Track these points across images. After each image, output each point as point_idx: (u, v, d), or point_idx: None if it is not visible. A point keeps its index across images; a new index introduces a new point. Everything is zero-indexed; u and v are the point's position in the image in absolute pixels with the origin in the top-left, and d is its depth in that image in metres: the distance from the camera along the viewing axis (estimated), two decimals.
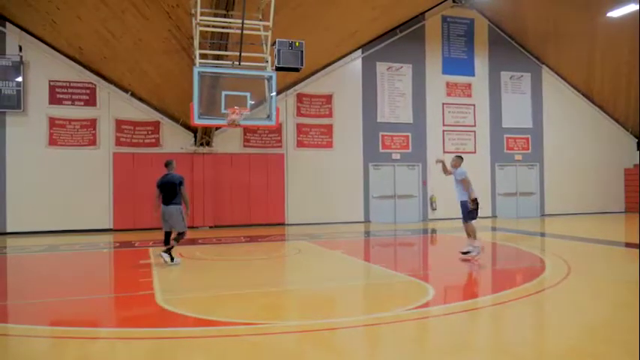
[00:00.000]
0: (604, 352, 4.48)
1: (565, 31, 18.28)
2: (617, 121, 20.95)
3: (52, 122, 14.88)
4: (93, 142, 15.21)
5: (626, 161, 21.02)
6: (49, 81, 14.85)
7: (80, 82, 15.09)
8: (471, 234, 9.34)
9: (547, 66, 19.93)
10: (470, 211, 9.26)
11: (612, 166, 20.83)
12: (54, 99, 14.91)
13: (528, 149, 19.77)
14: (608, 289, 7.14)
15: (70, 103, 15.04)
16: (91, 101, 15.19)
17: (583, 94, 20.43)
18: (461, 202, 9.41)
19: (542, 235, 14.37)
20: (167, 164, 9.55)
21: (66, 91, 15.00)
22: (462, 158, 9.75)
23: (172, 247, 9.18)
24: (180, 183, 9.34)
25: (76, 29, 13.76)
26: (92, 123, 15.20)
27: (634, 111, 20.34)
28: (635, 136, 21.18)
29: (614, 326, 5.35)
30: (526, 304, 6.31)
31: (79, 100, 15.11)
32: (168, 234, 9.34)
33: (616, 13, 15.81)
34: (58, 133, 14.92)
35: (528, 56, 19.70)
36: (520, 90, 19.64)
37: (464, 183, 9.29)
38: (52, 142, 14.86)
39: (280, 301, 6.80)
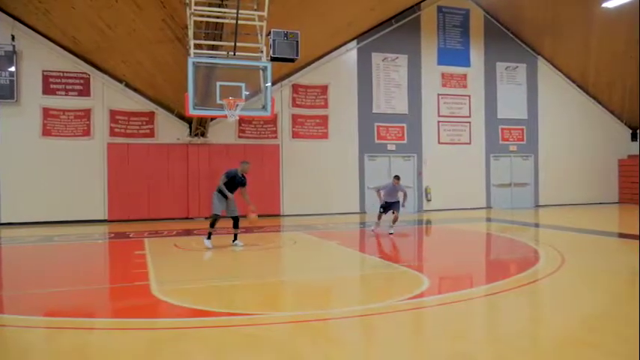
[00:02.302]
0: (600, 341, 4.51)
1: (561, 22, 18.27)
2: (612, 112, 21.01)
3: (46, 112, 14.79)
4: (87, 133, 15.13)
5: (620, 152, 21.11)
6: (43, 71, 14.74)
7: (74, 73, 14.99)
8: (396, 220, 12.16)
9: (543, 57, 19.93)
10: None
11: (606, 157, 20.90)
12: (47, 89, 14.81)
13: (523, 140, 19.81)
14: (601, 279, 7.19)
15: (63, 93, 14.94)
16: (85, 91, 15.10)
17: (578, 85, 20.46)
18: (398, 202, 12.14)
19: (537, 225, 14.45)
20: None
21: (60, 81, 14.90)
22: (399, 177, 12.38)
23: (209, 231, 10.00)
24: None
25: (69, 19, 13.64)
26: (86, 113, 15.12)
27: (629, 102, 20.39)
28: (630, 127, 21.26)
29: (608, 316, 5.39)
30: (520, 295, 6.35)
31: (73, 90, 15.02)
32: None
33: (611, 4, 15.80)
34: (52, 123, 14.83)
35: (524, 47, 19.68)
36: (515, 81, 19.64)
37: (405, 195, 12.09)
38: (46, 132, 14.78)
39: (276, 292, 6.82)
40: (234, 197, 9.96)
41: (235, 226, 10.10)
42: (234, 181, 9.85)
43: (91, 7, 12.97)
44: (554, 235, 11.92)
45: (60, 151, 14.87)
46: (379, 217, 12.39)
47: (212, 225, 9.88)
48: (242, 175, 9.94)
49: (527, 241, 10.92)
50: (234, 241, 10.15)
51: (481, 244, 11.51)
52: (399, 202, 12.15)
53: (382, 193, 12.28)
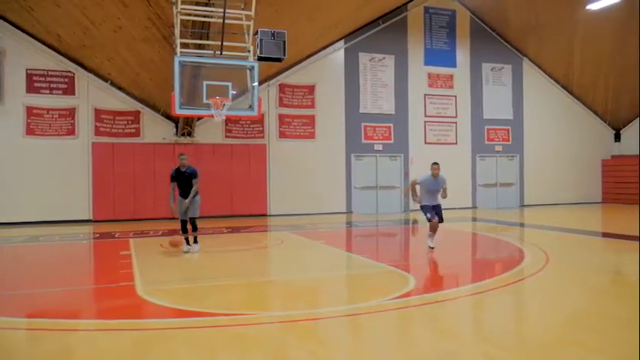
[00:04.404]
0: (585, 339, 4.57)
1: (545, 23, 18.45)
2: (595, 112, 21.26)
3: (30, 111, 14.61)
4: (72, 132, 14.97)
5: (603, 152, 21.38)
6: (27, 69, 14.55)
7: (58, 71, 14.83)
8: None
9: (528, 58, 20.11)
10: None
11: (590, 157, 21.16)
12: (31, 88, 14.62)
13: (508, 140, 19.98)
14: (585, 278, 7.28)
15: (48, 92, 14.77)
16: (69, 90, 14.94)
17: (563, 86, 20.68)
18: (439, 205, 9.54)
19: (522, 225, 14.57)
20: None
21: (44, 79, 14.72)
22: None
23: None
24: None
25: (54, 16, 13.48)
26: (71, 112, 14.96)
27: (612, 103, 20.65)
28: (613, 128, 21.53)
29: (593, 315, 5.46)
30: (506, 294, 6.40)
31: (57, 89, 14.85)
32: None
33: (595, 6, 15.98)
34: (36, 122, 14.65)
35: (509, 48, 19.85)
36: (501, 82, 19.80)
37: (445, 191, 9.37)
38: (30, 131, 14.60)
39: (263, 292, 6.80)
40: (201, 198, 9.64)
41: (193, 228, 9.47)
42: (180, 179, 9.29)
43: (76, 5, 12.84)
44: (539, 234, 12.03)
45: (44, 150, 14.69)
46: (432, 229, 9.43)
47: (182, 230, 9.50)
48: (185, 170, 9.30)
49: (513, 241, 11.01)
50: (194, 242, 9.55)
51: (467, 244, 11.57)
52: (439, 205, 9.55)
53: (419, 190, 9.60)
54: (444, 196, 9.41)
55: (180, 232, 9.55)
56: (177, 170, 9.37)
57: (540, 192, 20.21)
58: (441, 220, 9.41)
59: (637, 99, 20.00)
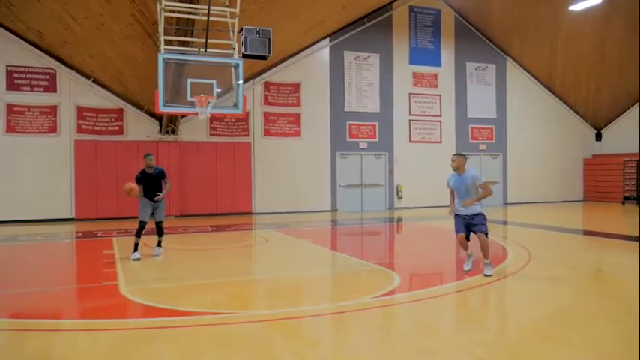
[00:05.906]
0: (566, 336, 4.62)
1: (529, 23, 18.63)
2: (577, 112, 21.53)
3: (10, 109, 14.38)
4: (53, 130, 14.78)
5: (585, 152, 21.66)
6: (7, 66, 14.33)
7: (39, 68, 14.61)
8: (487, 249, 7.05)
9: (511, 58, 20.29)
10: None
11: (572, 156, 21.43)
12: (12, 85, 14.40)
13: (492, 139, 20.15)
14: (566, 275, 7.36)
15: (28, 89, 14.55)
16: (51, 87, 14.74)
17: (545, 86, 20.91)
18: (481, 215, 7.17)
19: (505, 223, 14.71)
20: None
21: (24, 76, 14.51)
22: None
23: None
24: None
25: (34, 12, 13.28)
26: (52, 110, 14.76)
27: (593, 103, 20.91)
28: (594, 128, 21.81)
29: (574, 311, 5.53)
30: (489, 291, 6.46)
31: (39, 86, 14.64)
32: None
33: (578, 7, 16.17)
34: (17, 120, 14.43)
35: (493, 48, 20.01)
36: (485, 81, 19.95)
37: (486, 188, 7.09)
38: (10, 129, 14.38)
39: (247, 291, 6.78)
40: (166, 200, 9.23)
41: (159, 233, 9.04)
42: (147, 181, 8.73)
43: (57, 1, 12.65)
44: (521, 232, 12.15)
45: (25, 148, 14.47)
46: (464, 247, 7.36)
47: (138, 234, 8.64)
48: (152, 171, 8.79)
49: (496, 239, 11.10)
50: (157, 246, 9.10)
51: (451, 242, 11.62)
52: (481, 215, 7.12)
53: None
54: (478, 198, 7.06)
55: (136, 234, 8.67)
56: (144, 172, 8.78)
57: (523, 190, 20.42)
58: (483, 232, 7.03)
59: (617, 99, 20.34)
